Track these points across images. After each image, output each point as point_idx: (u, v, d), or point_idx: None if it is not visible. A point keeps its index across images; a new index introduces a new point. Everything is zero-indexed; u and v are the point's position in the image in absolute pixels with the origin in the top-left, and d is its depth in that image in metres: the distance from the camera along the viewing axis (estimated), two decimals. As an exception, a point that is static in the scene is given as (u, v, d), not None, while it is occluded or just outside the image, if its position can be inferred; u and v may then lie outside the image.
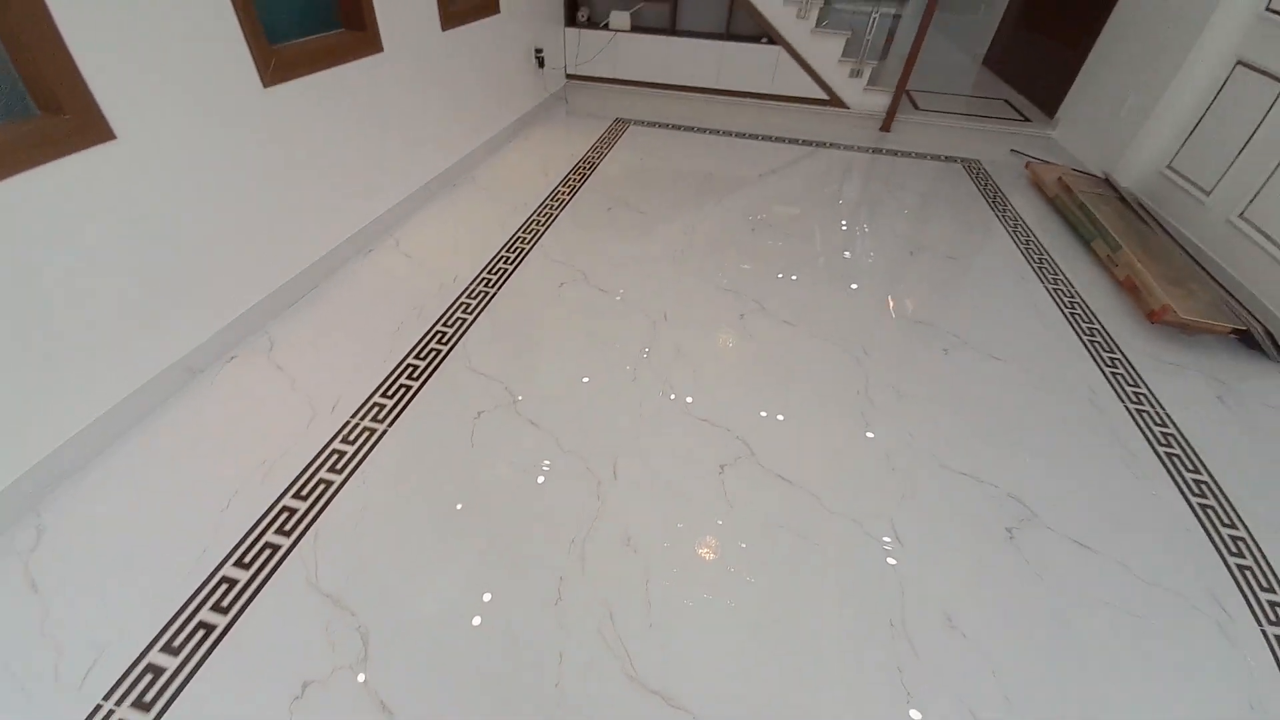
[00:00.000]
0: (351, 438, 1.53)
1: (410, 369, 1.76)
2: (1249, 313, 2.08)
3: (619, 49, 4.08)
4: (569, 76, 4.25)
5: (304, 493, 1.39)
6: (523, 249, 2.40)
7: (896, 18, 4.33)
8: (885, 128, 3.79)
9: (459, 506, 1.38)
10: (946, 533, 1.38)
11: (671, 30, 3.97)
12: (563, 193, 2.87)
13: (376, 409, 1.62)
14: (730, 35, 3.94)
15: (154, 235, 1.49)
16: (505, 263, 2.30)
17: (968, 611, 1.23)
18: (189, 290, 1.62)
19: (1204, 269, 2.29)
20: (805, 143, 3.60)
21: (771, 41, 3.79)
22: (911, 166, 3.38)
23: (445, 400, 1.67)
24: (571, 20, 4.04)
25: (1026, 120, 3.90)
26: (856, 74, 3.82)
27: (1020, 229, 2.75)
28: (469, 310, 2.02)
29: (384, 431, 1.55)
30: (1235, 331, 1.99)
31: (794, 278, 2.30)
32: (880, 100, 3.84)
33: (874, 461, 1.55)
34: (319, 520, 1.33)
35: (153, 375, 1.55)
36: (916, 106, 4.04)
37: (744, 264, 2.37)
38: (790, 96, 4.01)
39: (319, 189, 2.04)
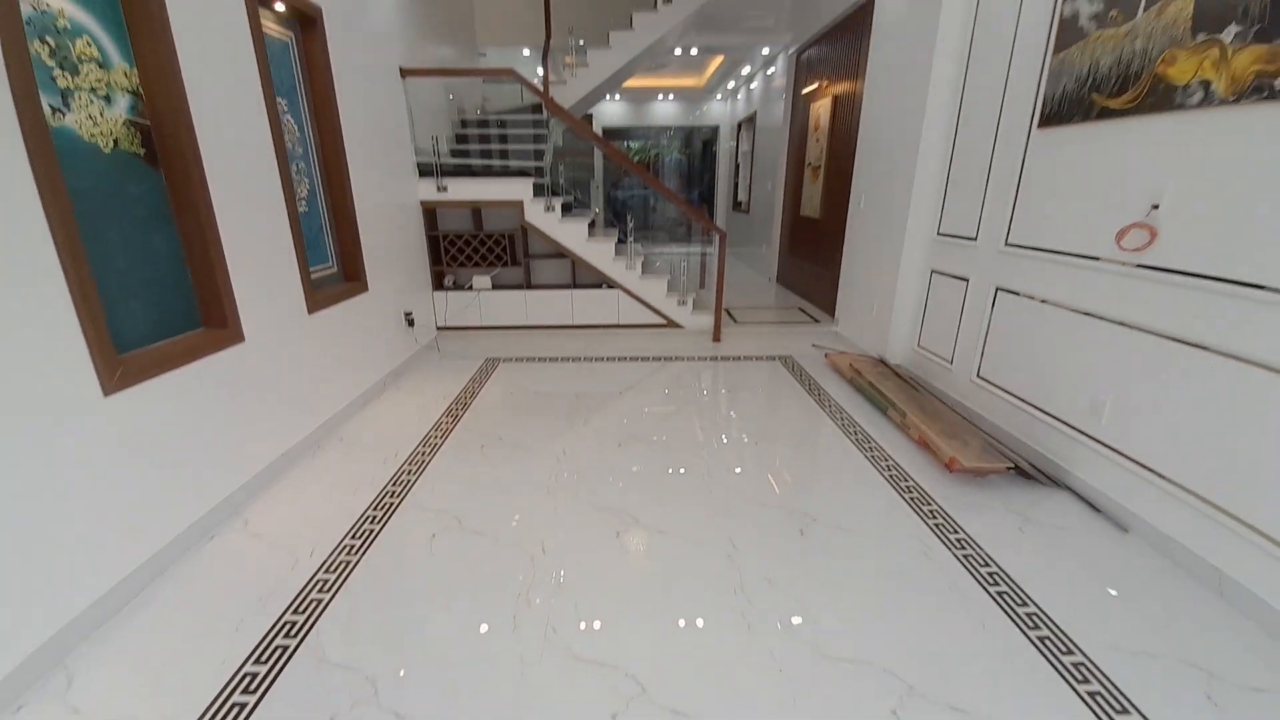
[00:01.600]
0: (155, 800, 1.23)
1: (247, 679, 1.52)
2: (1011, 450, 2.61)
3: (483, 303, 4.67)
4: (440, 328, 4.69)
5: None
6: (391, 504, 2.35)
7: (705, 255, 5.55)
8: (716, 339, 4.58)
9: None
10: (840, 730, 1.39)
11: (527, 285, 4.70)
12: (435, 437, 2.95)
13: (196, 748, 1.34)
14: (577, 285, 4.76)
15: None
16: (372, 522, 2.22)
17: (879, 823, 1.19)
18: (-50, 644, 1.34)
19: (969, 421, 2.90)
20: (655, 359, 4.18)
21: (611, 286, 4.63)
22: (742, 368, 4.04)
23: (289, 712, 1.44)
24: (439, 285, 4.62)
25: (817, 321, 4.98)
26: (683, 303, 4.72)
27: (834, 408, 3.31)
28: (326, 588, 1.87)
29: (203, 779, 1.27)
30: (1010, 468, 2.47)
31: (662, 485, 2.49)
32: (707, 319, 4.70)
33: (760, 664, 1.57)
34: None
35: None
36: (735, 320, 5.01)
37: (615, 480, 2.53)
38: (635, 324, 4.78)
39: (152, 486, 1.91)
